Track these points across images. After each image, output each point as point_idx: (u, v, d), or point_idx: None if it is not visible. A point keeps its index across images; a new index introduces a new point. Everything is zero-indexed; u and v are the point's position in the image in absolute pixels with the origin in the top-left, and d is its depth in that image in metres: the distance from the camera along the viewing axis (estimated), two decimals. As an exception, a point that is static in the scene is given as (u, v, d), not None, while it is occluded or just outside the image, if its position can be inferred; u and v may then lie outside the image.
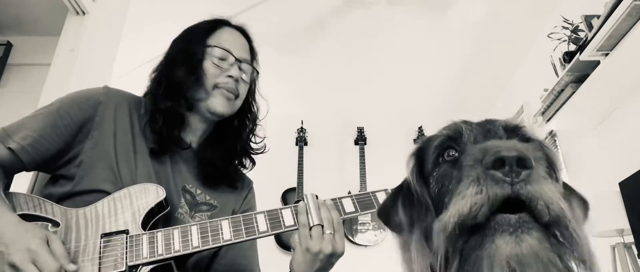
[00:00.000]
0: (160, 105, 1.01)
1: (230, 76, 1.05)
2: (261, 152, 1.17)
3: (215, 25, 1.12)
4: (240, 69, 1.08)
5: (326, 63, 3.54)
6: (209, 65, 1.04)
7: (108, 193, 0.90)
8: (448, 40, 3.26)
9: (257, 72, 1.19)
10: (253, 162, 1.17)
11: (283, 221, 0.92)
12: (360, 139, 3.85)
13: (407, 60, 3.48)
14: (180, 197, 1.01)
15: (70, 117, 0.95)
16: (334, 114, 4.08)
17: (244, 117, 1.15)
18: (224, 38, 1.09)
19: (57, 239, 0.79)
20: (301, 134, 3.92)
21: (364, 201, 0.98)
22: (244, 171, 1.18)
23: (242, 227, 0.88)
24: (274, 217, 0.92)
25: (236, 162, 1.13)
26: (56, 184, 0.95)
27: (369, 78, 3.71)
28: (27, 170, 0.95)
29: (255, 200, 1.21)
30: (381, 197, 0.98)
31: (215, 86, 1.04)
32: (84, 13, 2.37)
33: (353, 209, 0.94)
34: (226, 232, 0.87)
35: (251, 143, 1.17)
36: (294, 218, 0.92)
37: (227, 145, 1.10)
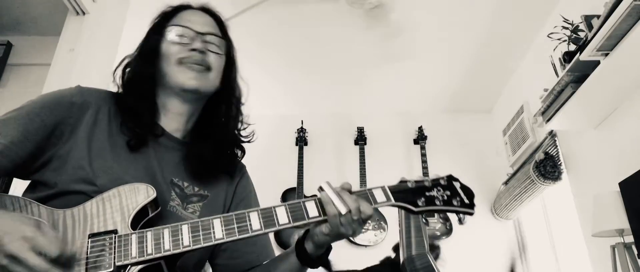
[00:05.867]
0: (128, 98, 1.01)
1: (193, 49, 1.01)
2: (249, 141, 1.13)
3: (174, 11, 1.09)
4: (205, 42, 1.04)
5: (326, 63, 3.54)
6: (167, 46, 1.02)
7: (85, 194, 0.88)
8: (448, 40, 3.26)
9: (232, 46, 1.13)
10: (243, 151, 1.14)
11: (277, 219, 0.89)
12: (360, 139, 3.85)
13: (408, 61, 3.48)
14: (170, 191, 0.99)
15: (41, 120, 0.90)
16: (334, 114, 4.08)
17: (229, 100, 1.10)
18: (183, 18, 1.07)
19: (47, 224, 0.77)
20: (301, 134, 3.92)
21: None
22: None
23: (235, 225, 0.86)
24: (267, 216, 0.90)
25: (226, 152, 1.10)
26: (35, 190, 0.92)
27: (369, 78, 3.71)
28: None
29: (250, 184, 1.17)
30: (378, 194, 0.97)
31: (179, 62, 1.01)
32: (84, 13, 2.37)
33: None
34: (218, 231, 0.85)
35: (240, 130, 1.13)
36: (288, 216, 0.90)
37: (216, 134, 1.07)
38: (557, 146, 2.89)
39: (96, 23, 2.40)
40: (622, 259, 2.00)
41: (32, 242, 0.71)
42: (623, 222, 2.00)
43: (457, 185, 1.04)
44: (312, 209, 0.91)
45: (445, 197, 1.00)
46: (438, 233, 3.44)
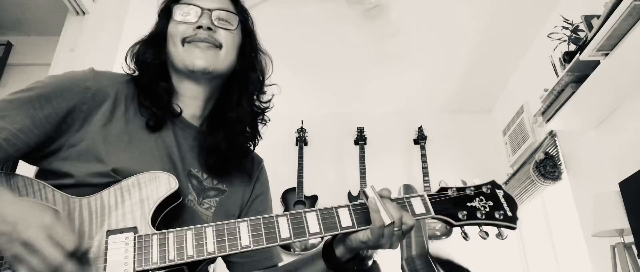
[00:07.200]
0: (144, 79, 0.97)
1: (199, 27, 0.95)
2: (263, 112, 1.06)
3: None
4: (213, 18, 0.97)
5: (326, 63, 3.54)
6: (173, 27, 0.97)
7: (102, 186, 0.83)
8: (448, 40, 3.26)
9: (248, 19, 1.08)
10: (259, 135, 1.07)
11: (307, 227, 0.82)
12: (360, 139, 3.85)
13: (407, 60, 3.48)
14: (188, 183, 0.94)
15: (52, 106, 0.84)
16: (334, 114, 4.08)
17: (246, 80, 1.03)
18: None
19: (63, 215, 0.73)
20: (301, 134, 3.92)
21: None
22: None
23: (262, 232, 0.81)
24: (297, 223, 0.83)
25: (242, 143, 1.03)
26: (46, 180, 0.86)
27: (369, 78, 3.71)
28: (1, 163, 0.86)
29: (267, 180, 1.13)
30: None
31: (185, 42, 0.95)
32: (84, 13, 2.37)
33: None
34: (244, 237, 0.80)
35: (258, 103, 1.05)
36: (319, 225, 0.83)
37: (231, 120, 1.00)
38: (557, 146, 2.89)
39: (96, 23, 2.40)
40: (622, 259, 2.00)
41: (49, 231, 0.66)
42: (623, 222, 2.00)
43: (500, 194, 0.96)
44: (345, 218, 0.85)
45: (488, 209, 0.92)
46: (438, 233, 3.44)
